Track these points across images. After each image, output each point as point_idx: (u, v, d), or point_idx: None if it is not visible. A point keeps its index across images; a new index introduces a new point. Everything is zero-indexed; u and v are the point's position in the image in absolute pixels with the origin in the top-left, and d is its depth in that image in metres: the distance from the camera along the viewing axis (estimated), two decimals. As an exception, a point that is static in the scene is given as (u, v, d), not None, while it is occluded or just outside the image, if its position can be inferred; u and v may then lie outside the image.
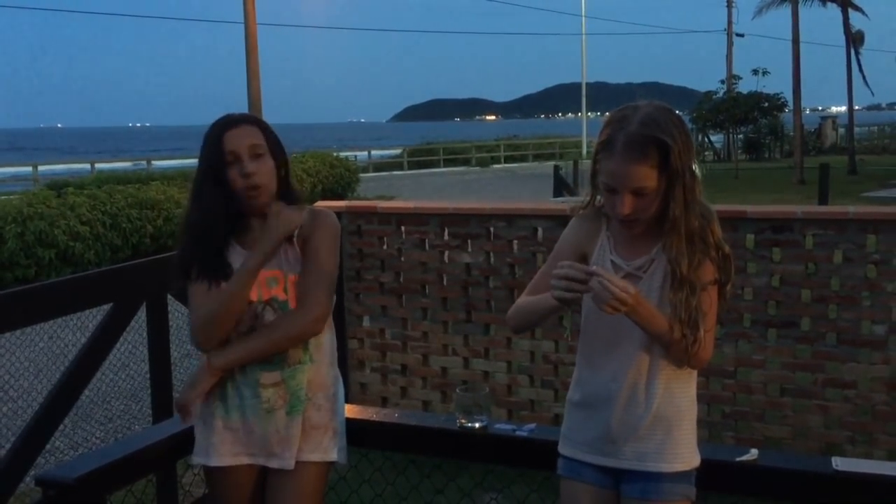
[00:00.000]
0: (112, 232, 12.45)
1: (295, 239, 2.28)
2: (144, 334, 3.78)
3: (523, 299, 2.11)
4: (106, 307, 3.56)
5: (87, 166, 25.86)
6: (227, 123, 2.26)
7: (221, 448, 2.27)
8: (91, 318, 4.01)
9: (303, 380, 2.27)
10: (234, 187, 2.21)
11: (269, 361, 2.25)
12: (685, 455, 2.02)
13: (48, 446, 3.47)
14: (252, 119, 2.30)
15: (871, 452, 4.03)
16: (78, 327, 4.68)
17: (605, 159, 1.93)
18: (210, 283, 2.23)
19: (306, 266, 2.27)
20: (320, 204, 3.42)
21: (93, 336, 3.48)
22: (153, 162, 26.96)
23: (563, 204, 6.24)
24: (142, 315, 3.69)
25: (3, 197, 14.50)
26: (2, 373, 4.98)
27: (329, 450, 2.32)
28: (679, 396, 2.03)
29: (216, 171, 2.22)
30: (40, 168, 26.65)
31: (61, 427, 3.57)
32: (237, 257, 2.26)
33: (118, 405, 5.50)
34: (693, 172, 1.92)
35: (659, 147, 1.87)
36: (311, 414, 2.29)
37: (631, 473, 2.02)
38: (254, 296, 2.24)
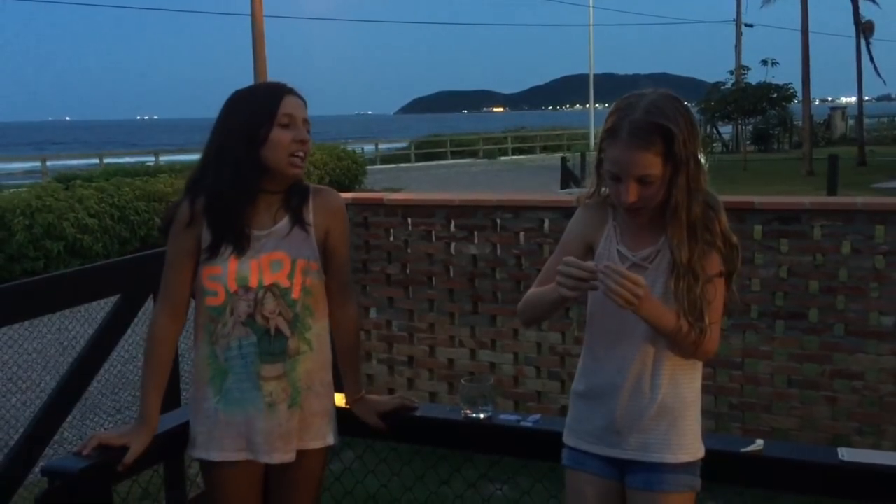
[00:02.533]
0: (120, 224, 12.49)
1: (310, 227, 2.23)
2: (150, 325, 3.79)
3: (532, 291, 2.10)
4: (113, 299, 3.56)
5: (96, 161, 25.94)
6: (286, 88, 2.21)
7: (223, 442, 2.22)
8: (99, 310, 4.03)
9: (302, 370, 2.24)
10: (277, 150, 2.14)
11: (270, 353, 2.20)
12: (690, 446, 2.02)
13: (56, 437, 3.47)
14: (303, 97, 2.26)
15: (879, 443, 4.02)
16: (86, 319, 4.70)
17: (609, 147, 1.92)
18: (212, 260, 2.17)
19: (337, 262, 2.31)
20: None
21: (100, 327, 3.49)
22: (161, 157, 26.97)
23: (570, 196, 6.23)
24: (149, 306, 3.69)
25: (11, 190, 14.54)
26: (10, 364, 5.02)
27: (327, 435, 2.32)
28: (684, 387, 2.02)
29: (257, 128, 2.13)
30: (49, 162, 26.73)
31: (70, 418, 3.58)
32: None
33: (126, 396, 5.52)
34: (698, 161, 1.92)
35: (663, 134, 1.86)
36: (311, 402, 2.26)
37: (635, 464, 2.01)
38: (253, 282, 2.18)
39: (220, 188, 2.16)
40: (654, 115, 1.87)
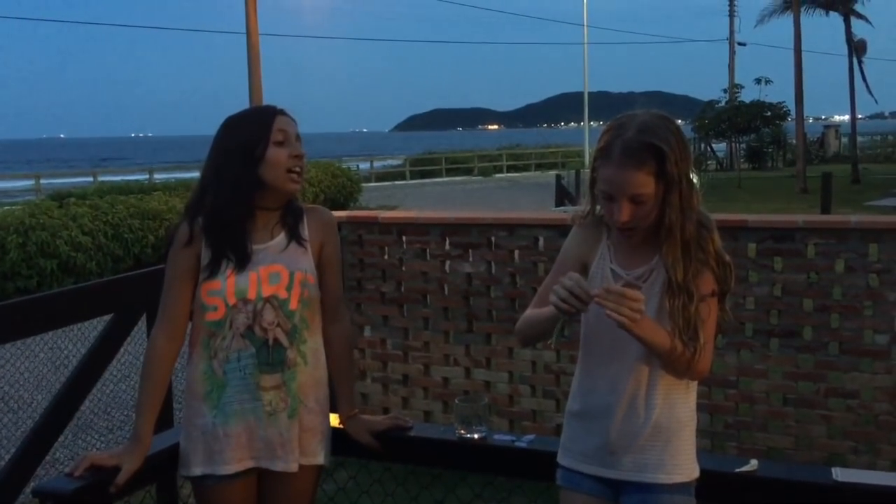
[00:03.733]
0: (114, 242, 12.47)
1: (306, 242, 2.29)
2: (145, 344, 3.77)
3: (528, 312, 2.11)
4: (107, 317, 3.55)
5: (90, 178, 25.93)
6: (278, 109, 2.30)
7: (224, 456, 2.23)
8: (92, 329, 4.02)
9: (296, 384, 2.26)
10: (274, 167, 2.20)
11: (268, 363, 2.23)
12: (685, 466, 2.01)
13: (48, 457, 3.46)
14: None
15: (875, 462, 4.02)
16: (79, 338, 4.68)
17: (602, 167, 1.94)
18: (212, 275, 2.21)
19: (330, 276, 2.35)
20: None
21: (93, 346, 3.48)
22: (156, 174, 26.94)
23: (565, 213, 6.24)
24: (142, 325, 3.68)
25: (5, 207, 14.52)
26: (2, 384, 4.99)
27: (318, 453, 2.32)
28: (679, 407, 2.02)
29: (254, 147, 2.20)
30: (42, 180, 26.70)
31: (62, 438, 3.56)
32: None
33: (119, 415, 5.49)
34: (690, 180, 1.93)
35: (655, 154, 1.88)
36: (302, 417, 2.28)
37: (630, 485, 2.01)
38: (252, 294, 2.22)
39: (219, 206, 2.22)
40: (646, 135, 1.89)
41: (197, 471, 2.27)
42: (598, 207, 2.05)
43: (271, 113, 2.28)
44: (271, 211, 2.28)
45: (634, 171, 1.88)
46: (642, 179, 1.89)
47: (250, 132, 2.23)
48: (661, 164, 1.88)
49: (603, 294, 1.83)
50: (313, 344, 2.31)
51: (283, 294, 2.24)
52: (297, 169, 2.25)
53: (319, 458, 2.33)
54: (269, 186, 2.23)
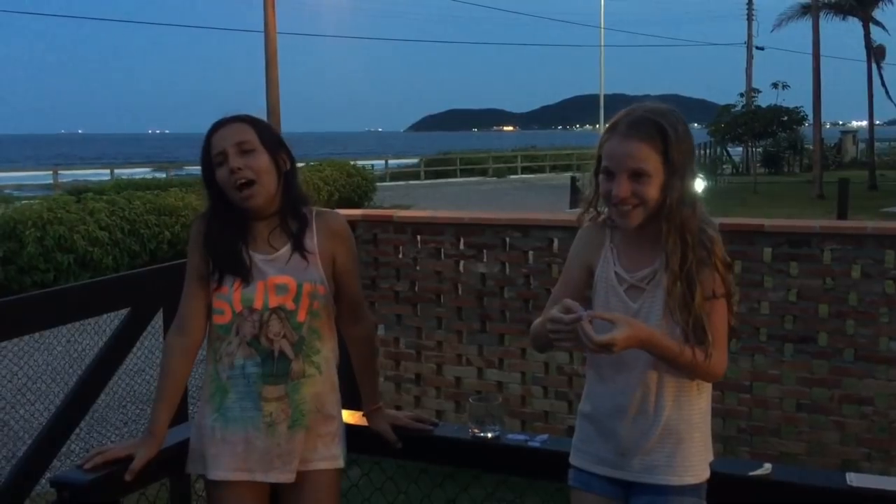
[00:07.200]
0: (130, 237, 12.54)
1: (310, 255, 2.24)
2: (160, 339, 3.80)
3: (536, 322, 2.10)
4: (123, 312, 3.58)
5: (108, 174, 26.12)
6: (215, 125, 2.24)
7: (218, 461, 2.22)
8: (108, 323, 4.04)
9: (307, 393, 2.23)
10: (225, 188, 2.18)
11: (272, 375, 2.21)
12: (695, 468, 2.01)
13: (64, 449, 3.48)
14: (242, 117, 2.24)
15: (888, 469, 3.99)
16: (95, 332, 4.71)
17: (607, 141, 1.96)
18: (220, 281, 2.22)
19: (348, 283, 2.32)
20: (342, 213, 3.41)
21: (109, 340, 3.51)
22: (172, 171, 27.10)
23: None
24: (158, 320, 3.70)
25: (23, 201, 14.62)
26: (20, 376, 5.03)
27: (338, 457, 2.32)
28: (689, 409, 2.02)
29: (209, 175, 2.21)
30: (61, 173, 26.90)
31: (77, 431, 3.59)
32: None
33: (134, 409, 5.53)
34: (692, 173, 1.94)
35: (661, 132, 1.90)
36: (319, 424, 2.26)
37: (640, 486, 2.01)
38: (258, 303, 2.19)
39: (210, 221, 2.25)
40: (654, 114, 1.93)
41: (196, 469, 2.29)
42: (601, 208, 2.06)
43: (209, 135, 2.23)
44: (267, 218, 2.24)
45: (638, 143, 1.90)
46: (645, 153, 1.90)
47: (202, 159, 2.24)
48: (665, 143, 1.90)
49: (579, 330, 1.85)
50: (326, 352, 2.28)
51: (290, 305, 2.20)
52: (241, 181, 2.16)
53: (339, 462, 2.32)
54: (235, 205, 2.21)
